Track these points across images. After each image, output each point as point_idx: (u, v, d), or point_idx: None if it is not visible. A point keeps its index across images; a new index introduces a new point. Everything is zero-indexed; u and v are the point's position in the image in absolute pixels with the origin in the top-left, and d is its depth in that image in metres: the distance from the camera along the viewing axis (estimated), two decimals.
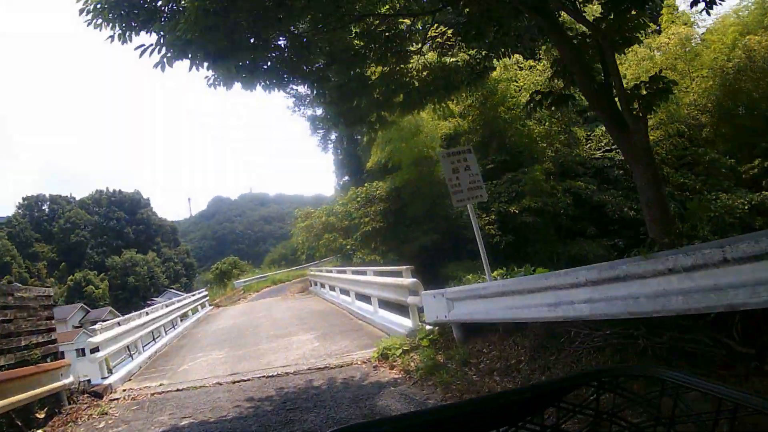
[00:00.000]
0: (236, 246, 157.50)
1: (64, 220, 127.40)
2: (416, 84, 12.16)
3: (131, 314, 21.68)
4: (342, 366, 11.63)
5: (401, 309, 15.37)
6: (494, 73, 31.76)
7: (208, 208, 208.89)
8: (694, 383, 1.25)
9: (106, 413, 11.22)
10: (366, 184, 35.29)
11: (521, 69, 34.99)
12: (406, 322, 13.83)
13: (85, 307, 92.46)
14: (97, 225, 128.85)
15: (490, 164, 32.89)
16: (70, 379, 12.43)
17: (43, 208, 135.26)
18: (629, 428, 1.37)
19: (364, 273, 19.61)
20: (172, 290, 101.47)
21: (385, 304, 16.94)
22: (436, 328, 11.98)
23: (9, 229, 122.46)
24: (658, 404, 1.33)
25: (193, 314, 30.95)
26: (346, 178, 57.84)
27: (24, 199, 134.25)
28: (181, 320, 26.91)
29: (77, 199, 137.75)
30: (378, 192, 33.68)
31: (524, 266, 12.56)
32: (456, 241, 31.10)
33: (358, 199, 34.25)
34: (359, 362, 11.76)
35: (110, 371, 15.12)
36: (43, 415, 11.45)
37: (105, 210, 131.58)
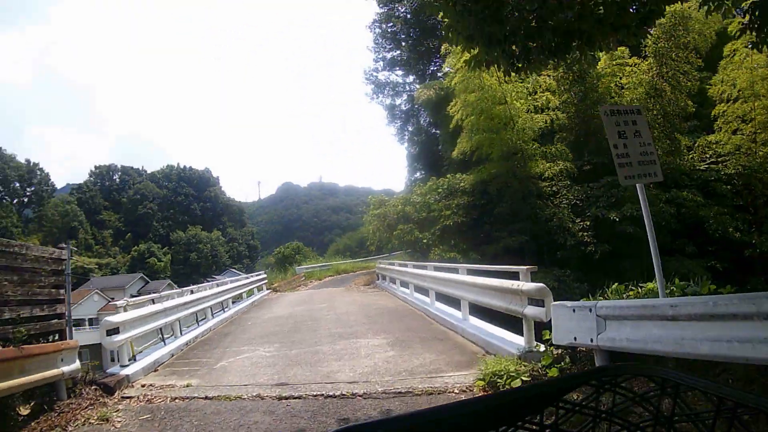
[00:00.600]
0: (301, 233, 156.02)
1: (133, 191, 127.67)
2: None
3: (170, 291, 18.83)
4: (432, 393, 8.26)
5: (499, 318, 12.18)
6: (600, 64, 28.63)
7: (277, 194, 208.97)
8: (694, 382, 1.24)
9: (107, 420, 8.25)
10: (448, 176, 31.99)
11: (626, 65, 31.27)
12: (517, 339, 10.39)
13: (145, 277, 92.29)
14: (165, 199, 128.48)
15: (587, 165, 30.00)
16: (75, 365, 9.58)
17: (114, 177, 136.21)
18: (629, 428, 1.33)
19: (453, 271, 16.13)
20: (234, 270, 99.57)
21: (474, 309, 13.69)
22: (566, 353, 8.60)
23: (79, 194, 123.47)
24: (657, 403, 1.32)
25: (247, 297, 28.41)
26: (419, 174, 55.03)
27: (96, 167, 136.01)
28: (233, 303, 24.01)
29: (148, 172, 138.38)
30: (461, 184, 30.62)
31: (701, 281, 9.12)
32: (543, 246, 27.73)
33: (439, 190, 31.16)
34: (456, 389, 8.37)
35: (133, 358, 12.12)
36: (27, 412, 8.54)
37: (174, 185, 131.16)
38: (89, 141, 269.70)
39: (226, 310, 21.99)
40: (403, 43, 54.48)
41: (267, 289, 35.20)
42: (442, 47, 31.04)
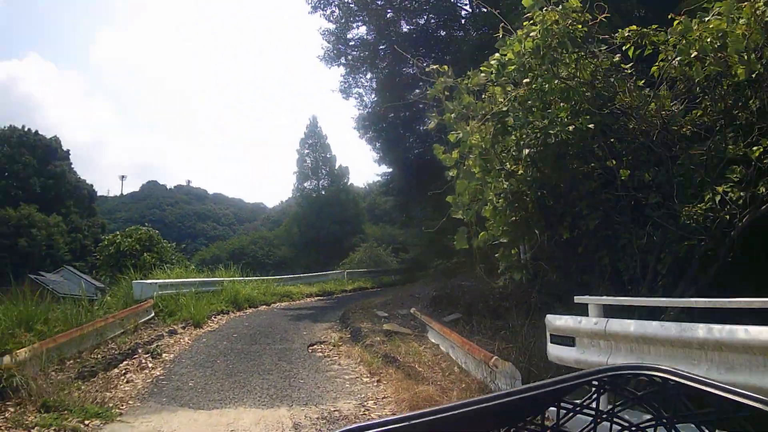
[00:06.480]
0: (164, 236, 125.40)
1: None
2: None
3: None
4: None
5: None
6: None
7: (141, 191, 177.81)
8: (694, 382, 1.18)
9: None
10: None
11: None
12: None
13: None
14: None
15: None
16: None
17: None
18: (629, 428, 1.29)
19: None
20: (71, 269, 69.22)
21: None
22: None
23: None
24: (658, 404, 1.26)
25: None
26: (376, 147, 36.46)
27: None
28: None
29: None
30: None
31: None
32: None
33: None
34: None
35: None
36: None
37: (13, 150, 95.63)
38: None
39: None
40: None
41: None
42: None
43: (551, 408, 1.20)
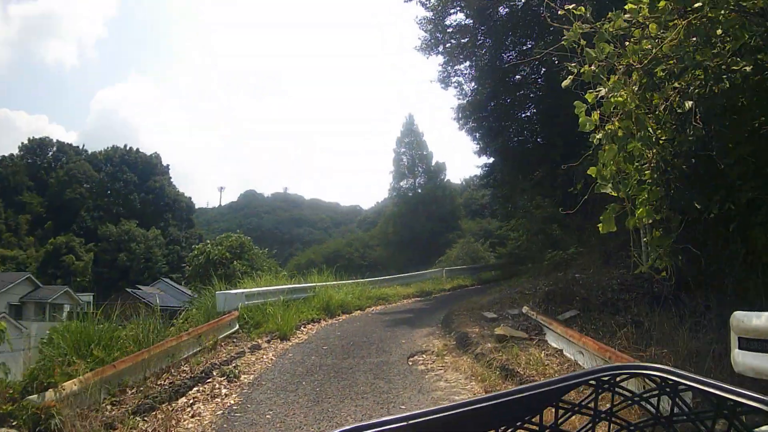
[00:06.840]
0: (261, 244, 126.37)
1: (64, 172, 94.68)
2: None
3: None
4: None
5: None
6: None
7: (239, 201, 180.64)
8: (693, 382, 1.18)
9: None
10: None
11: None
12: None
13: (34, 279, 60.84)
14: (101, 184, 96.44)
15: None
16: None
17: (49, 154, 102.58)
18: (628, 427, 1.29)
19: None
20: (167, 281, 70.62)
21: None
22: None
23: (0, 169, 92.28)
24: (656, 403, 1.26)
25: None
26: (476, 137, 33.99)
27: (29, 140, 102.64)
28: None
29: (89, 152, 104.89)
30: None
31: None
32: None
33: None
34: None
35: None
36: None
37: (115, 169, 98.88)
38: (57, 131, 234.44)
39: None
40: None
41: None
42: None
43: (550, 408, 1.15)
